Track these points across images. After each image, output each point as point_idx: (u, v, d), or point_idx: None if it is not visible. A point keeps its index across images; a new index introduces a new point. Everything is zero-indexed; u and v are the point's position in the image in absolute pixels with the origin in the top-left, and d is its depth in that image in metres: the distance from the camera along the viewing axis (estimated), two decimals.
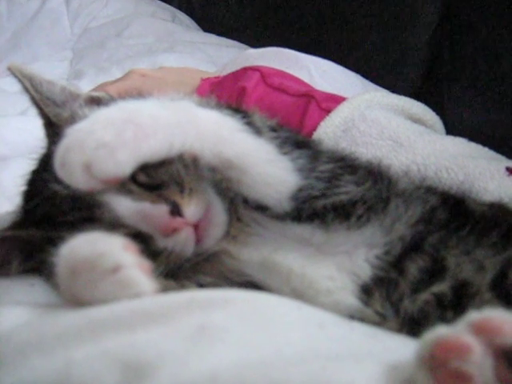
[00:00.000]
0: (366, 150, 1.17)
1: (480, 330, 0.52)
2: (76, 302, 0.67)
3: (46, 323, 0.63)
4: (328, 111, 1.27)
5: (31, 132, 0.98)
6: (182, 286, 0.81)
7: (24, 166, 0.93)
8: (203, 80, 1.46)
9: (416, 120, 1.31)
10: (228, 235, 0.84)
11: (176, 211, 0.80)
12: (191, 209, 0.81)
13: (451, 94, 1.69)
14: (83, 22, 2.78)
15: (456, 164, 1.12)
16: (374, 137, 1.20)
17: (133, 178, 0.81)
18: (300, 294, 0.80)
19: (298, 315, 0.65)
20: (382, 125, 1.21)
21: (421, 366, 0.53)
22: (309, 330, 0.62)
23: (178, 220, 0.80)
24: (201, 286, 0.82)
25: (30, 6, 2.79)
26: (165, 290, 0.74)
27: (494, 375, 0.51)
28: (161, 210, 0.80)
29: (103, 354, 0.56)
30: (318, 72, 1.59)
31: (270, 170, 0.79)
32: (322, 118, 1.26)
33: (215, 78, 1.50)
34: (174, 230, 0.80)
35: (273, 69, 1.45)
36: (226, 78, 1.46)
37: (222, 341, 0.58)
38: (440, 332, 0.53)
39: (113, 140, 0.70)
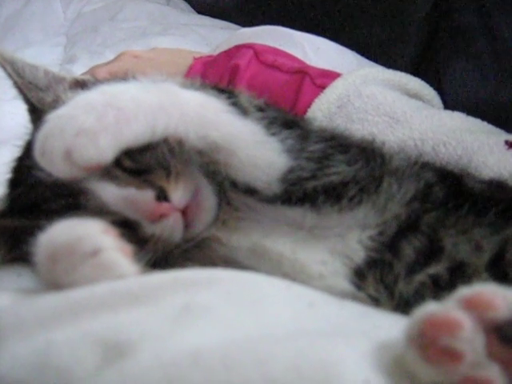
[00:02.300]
0: (362, 126, 1.14)
1: (470, 305, 0.50)
2: (57, 287, 0.65)
3: (26, 306, 0.61)
4: (322, 87, 1.24)
5: (24, 116, 0.95)
6: None
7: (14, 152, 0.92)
8: (196, 59, 1.43)
9: (413, 95, 1.27)
10: (217, 220, 0.82)
11: (162, 196, 0.78)
12: (178, 193, 0.79)
13: (449, 69, 1.66)
14: (76, 7, 2.74)
15: (454, 138, 1.09)
16: (369, 113, 1.17)
17: (117, 163, 0.78)
18: (291, 279, 0.76)
19: (286, 294, 0.62)
20: (378, 100, 1.18)
21: (410, 344, 0.51)
22: (297, 309, 0.60)
23: (164, 205, 0.78)
24: None
25: None
26: None
27: (486, 351, 0.49)
28: (147, 196, 0.78)
29: (84, 335, 0.54)
30: (313, 49, 1.56)
31: (258, 152, 0.76)
32: (316, 95, 1.22)
33: (208, 57, 1.46)
34: (161, 216, 0.78)
35: (266, 46, 1.41)
36: (218, 56, 1.43)
37: (206, 320, 0.56)
38: (429, 308, 0.51)
39: (93, 125, 0.68)
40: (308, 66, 1.34)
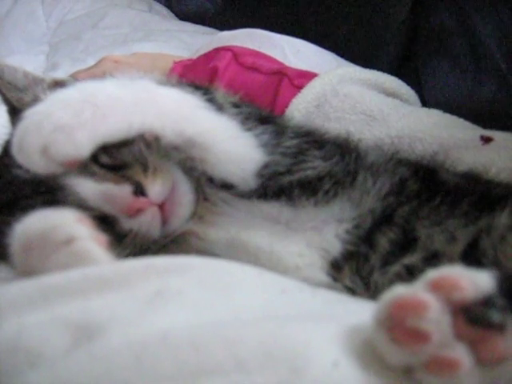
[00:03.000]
0: (340, 125, 1.16)
1: (437, 287, 0.51)
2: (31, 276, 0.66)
3: None
4: (300, 88, 1.25)
5: (3, 116, 0.96)
6: None
7: None
8: (176, 63, 1.44)
9: (390, 94, 1.29)
10: (195, 215, 0.82)
11: (140, 191, 0.79)
12: (156, 188, 0.79)
13: (428, 69, 1.68)
14: (58, 16, 2.73)
15: (430, 135, 1.11)
16: (346, 112, 1.19)
17: (94, 159, 0.79)
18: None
19: (258, 281, 0.63)
20: (355, 99, 1.20)
21: (379, 327, 0.51)
22: (269, 295, 0.60)
23: (141, 200, 0.78)
24: None
25: (4, 0, 2.75)
26: None
27: (453, 331, 0.50)
28: (124, 191, 0.78)
29: (54, 319, 0.55)
30: (292, 51, 1.57)
31: (234, 147, 0.78)
32: (294, 95, 1.24)
33: (188, 60, 1.48)
34: (138, 211, 0.78)
35: (245, 48, 1.43)
36: (198, 59, 1.44)
37: (177, 304, 0.57)
38: (397, 291, 0.52)
39: (70, 121, 0.69)
40: (286, 67, 1.35)
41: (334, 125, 1.15)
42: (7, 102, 0.94)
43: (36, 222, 0.68)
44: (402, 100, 1.30)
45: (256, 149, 0.78)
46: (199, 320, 0.54)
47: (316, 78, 1.27)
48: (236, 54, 1.39)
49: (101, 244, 0.67)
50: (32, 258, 0.66)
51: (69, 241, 0.66)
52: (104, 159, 0.80)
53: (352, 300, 0.69)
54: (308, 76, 1.31)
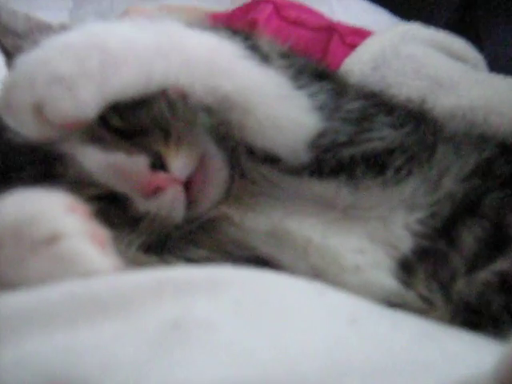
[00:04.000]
0: (400, 91, 0.98)
1: None
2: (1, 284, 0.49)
3: None
4: (353, 46, 1.09)
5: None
6: (164, 263, 0.63)
7: None
8: (209, 16, 1.26)
9: (457, 58, 1.11)
10: (229, 196, 0.68)
11: (159, 164, 0.63)
12: (179, 161, 0.64)
13: (490, 32, 1.51)
14: None
15: (510, 108, 0.93)
16: (409, 76, 1.02)
17: (104, 122, 0.64)
18: (320, 271, 0.64)
19: (318, 305, 0.46)
20: (420, 62, 1.03)
21: None
22: (334, 329, 0.43)
23: (161, 176, 0.63)
24: (191, 262, 0.65)
25: None
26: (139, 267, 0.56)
27: None
28: (139, 163, 0.63)
29: (24, 361, 0.38)
30: (341, 7, 1.40)
31: (282, 110, 0.62)
32: (346, 55, 1.07)
33: (222, 13, 1.30)
34: (157, 189, 0.63)
35: (288, 0, 1.25)
36: (233, 12, 1.27)
37: (204, 343, 0.39)
38: None
39: (72, 71, 0.55)
40: (336, 23, 1.18)
41: (393, 91, 0.96)
42: (2, 48, 0.77)
43: (10, 210, 0.52)
44: (470, 66, 1.11)
45: (310, 112, 0.62)
46: (238, 374, 0.36)
47: (374, 36, 1.10)
48: (278, 7, 1.22)
49: (99, 243, 0.50)
50: (2, 261, 0.49)
51: (53, 238, 0.50)
52: (115, 122, 0.65)
53: (445, 333, 0.50)
54: (362, 34, 1.14)
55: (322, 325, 0.43)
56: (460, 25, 1.68)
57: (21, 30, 0.81)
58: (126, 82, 0.57)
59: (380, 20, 1.41)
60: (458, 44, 1.14)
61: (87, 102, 0.55)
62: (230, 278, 0.46)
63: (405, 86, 1.01)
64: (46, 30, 0.82)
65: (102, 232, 0.52)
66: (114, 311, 0.41)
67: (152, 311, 0.41)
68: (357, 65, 1.04)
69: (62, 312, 0.41)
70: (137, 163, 0.63)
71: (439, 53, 1.09)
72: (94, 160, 0.64)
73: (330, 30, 1.16)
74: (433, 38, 1.11)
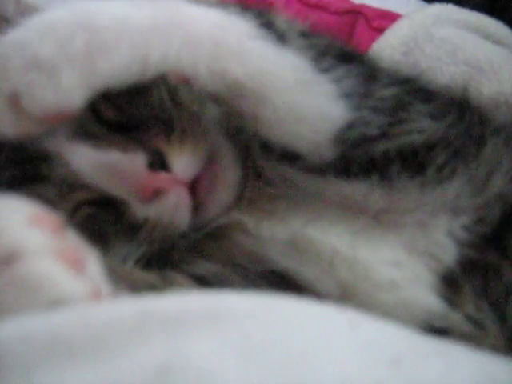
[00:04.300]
0: (434, 77, 0.88)
1: None
2: None
3: None
4: (381, 30, 0.99)
5: None
6: (164, 281, 0.53)
7: None
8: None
9: (494, 41, 1.01)
10: (241, 200, 0.60)
11: (159, 163, 0.55)
12: (183, 159, 0.56)
13: None
14: None
15: None
16: (444, 61, 0.92)
17: (95, 114, 0.57)
18: (349, 289, 0.56)
19: (350, 341, 0.36)
20: (455, 45, 0.93)
21: None
22: (372, 374, 0.33)
23: (161, 176, 0.55)
24: (198, 278, 0.56)
25: None
26: (133, 288, 0.49)
27: None
28: (135, 162, 0.55)
29: None
30: None
31: (302, 97, 0.52)
32: (373, 40, 0.97)
33: None
34: (157, 192, 0.55)
35: None
36: None
37: None
38: None
39: (53, 55, 0.48)
40: (362, 5, 1.08)
41: (425, 77, 0.86)
42: None
43: None
44: (508, 49, 1.01)
45: (336, 100, 0.53)
46: None
47: (403, 18, 0.99)
48: None
49: (72, 263, 0.41)
50: None
51: (10, 258, 0.40)
52: (109, 114, 0.57)
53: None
54: (390, 17, 1.03)
55: (355, 368, 0.34)
56: (492, 7, 1.58)
57: (10, 14, 0.73)
58: (118, 66, 0.49)
59: (408, 3, 1.30)
60: (495, 26, 1.04)
61: (71, 90, 0.47)
62: (235, 309, 0.36)
63: (439, 72, 0.92)
64: (35, 11, 0.74)
65: (78, 249, 0.42)
66: (82, 355, 0.31)
67: (133, 355, 0.32)
68: (386, 50, 0.95)
69: (14, 356, 0.31)
70: (133, 162, 0.55)
71: (475, 35, 0.99)
72: (84, 159, 0.56)
73: (355, 13, 1.06)
74: (467, 19, 1.01)
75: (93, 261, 0.43)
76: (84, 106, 0.49)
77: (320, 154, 0.54)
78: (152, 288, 0.52)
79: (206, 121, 0.58)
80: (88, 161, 0.55)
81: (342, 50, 0.58)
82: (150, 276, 0.54)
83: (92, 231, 0.55)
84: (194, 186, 0.57)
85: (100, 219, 0.56)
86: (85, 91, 0.48)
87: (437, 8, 1.01)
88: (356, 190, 0.56)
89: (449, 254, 0.56)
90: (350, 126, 0.53)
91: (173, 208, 0.55)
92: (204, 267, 0.57)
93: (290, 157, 0.55)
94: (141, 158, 0.54)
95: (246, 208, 0.59)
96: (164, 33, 0.50)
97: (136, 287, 0.51)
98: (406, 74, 0.62)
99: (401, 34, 0.96)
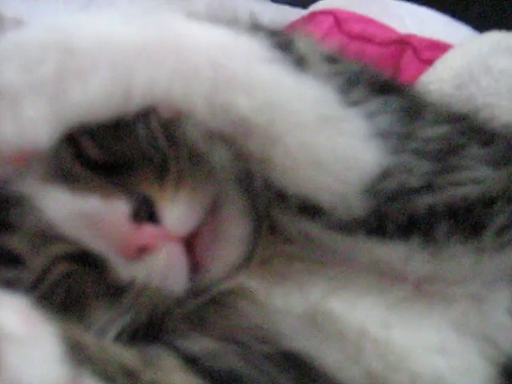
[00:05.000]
0: (492, 115, 0.78)
1: None
2: None
3: None
4: (430, 62, 0.91)
5: None
6: (146, 364, 0.43)
7: None
8: None
9: None
10: (251, 260, 0.49)
11: (145, 213, 0.45)
12: (178, 209, 0.46)
13: None
14: None
15: None
16: (503, 95, 0.82)
17: (77, 151, 0.47)
18: (380, 381, 0.45)
19: None
20: None
21: None
22: None
23: (147, 230, 0.45)
24: (193, 360, 0.45)
25: None
26: (103, 373, 0.40)
27: None
28: (117, 211, 0.45)
29: None
30: (415, 22, 1.19)
31: (325, 137, 0.43)
32: (421, 72, 0.89)
33: None
34: (143, 249, 0.45)
35: (351, 13, 1.10)
36: (288, 26, 1.09)
37: None
38: None
39: (17, 81, 0.42)
40: (410, 35, 1.00)
41: (482, 115, 0.76)
42: None
43: None
44: None
45: (368, 141, 0.43)
46: None
47: (456, 48, 0.92)
48: (339, 20, 1.06)
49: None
50: None
51: None
52: (92, 151, 0.47)
53: None
54: (441, 47, 0.96)
55: None
56: None
57: None
58: (94, 95, 0.41)
59: (459, 35, 1.21)
60: None
61: (35, 124, 0.41)
62: None
63: (498, 109, 0.81)
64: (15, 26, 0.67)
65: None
66: None
67: None
68: (435, 83, 0.85)
69: None
70: (114, 210, 0.45)
71: None
72: (60, 205, 0.46)
73: (402, 43, 0.98)
74: None
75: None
76: (54, 144, 0.42)
77: (348, 208, 0.44)
78: (127, 375, 0.41)
79: (213, 163, 0.48)
80: (64, 207, 0.45)
81: (378, 78, 0.48)
82: (130, 356, 0.43)
83: (70, 292, 0.46)
84: (191, 242, 0.47)
85: (79, 278, 0.46)
86: (54, 125, 0.41)
87: (494, 36, 0.93)
88: (392, 253, 0.45)
89: (510, 337, 0.45)
90: (386, 174, 0.43)
91: (164, 269, 0.45)
92: (199, 344, 0.46)
93: (311, 210, 0.44)
94: (123, 206, 0.44)
95: (255, 271, 0.48)
96: (152, 56, 0.42)
97: (107, 371, 0.40)
98: (458, 110, 0.52)
99: (453, 66, 0.87)
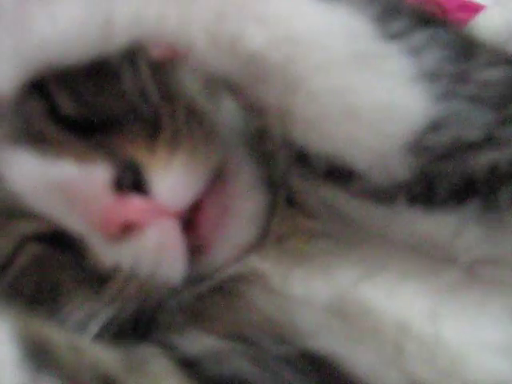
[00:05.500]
0: None
1: None
2: None
3: None
4: (463, 23, 0.83)
5: None
6: (131, 369, 0.36)
7: None
8: None
9: None
10: (265, 240, 0.41)
11: (130, 182, 0.37)
12: (173, 177, 0.39)
13: None
14: None
15: None
16: None
17: (49, 106, 0.40)
18: None
19: None
20: None
21: None
22: None
23: (133, 202, 0.37)
24: (191, 362, 0.38)
25: None
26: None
27: None
28: (95, 178, 0.37)
29: None
30: None
31: (359, 80, 0.35)
32: None
33: None
34: (128, 227, 0.37)
35: None
36: None
37: None
38: None
39: None
40: None
41: None
42: None
43: None
44: None
45: (413, 83, 0.35)
46: None
47: (491, 6, 0.87)
48: None
49: None
50: None
51: None
52: (67, 106, 0.39)
53: None
54: (473, 8, 0.91)
55: None
56: None
57: None
58: (64, 28, 0.35)
59: None
60: None
61: None
62: None
63: None
64: None
65: None
66: None
67: None
68: None
69: None
70: (91, 177, 0.37)
71: None
72: (27, 173, 0.39)
73: (432, 4, 0.91)
74: None
75: None
76: (20, 95, 0.36)
77: (387, 170, 0.36)
78: (103, 383, 0.34)
79: (218, 120, 0.40)
80: (32, 175, 0.38)
81: (422, 8, 0.39)
82: (110, 359, 0.36)
83: (41, 280, 0.39)
84: (191, 220, 0.39)
85: (52, 263, 0.39)
86: (16, 66, 0.35)
87: None
88: (441, 226, 0.38)
89: None
90: (436, 125, 0.35)
91: (155, 252, 0.37)
92: (199, 342, 0.39)
93: (340, 175, 0.37)
94: (104, 173, 0.37)
95: (270, 251, 0.41)
96: None
97: (78, 378, 0.33)
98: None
99: (490, 25, 0.79)
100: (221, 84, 0.37)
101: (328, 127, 0.34)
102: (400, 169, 0.35)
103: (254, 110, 0.37)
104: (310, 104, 0.34)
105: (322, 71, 0.34)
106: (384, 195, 0.36)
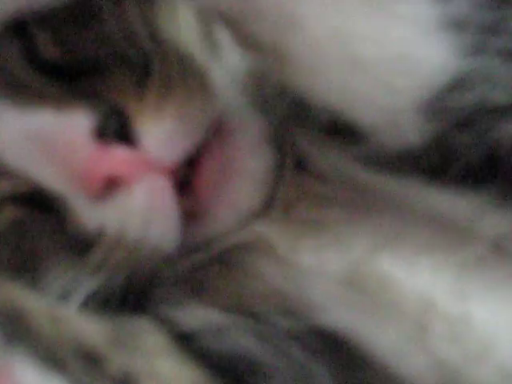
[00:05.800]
0: None
1: None
2: None
3: None
4: None
5: None
6: (120, 341, 0.33)
7: None
8: None
9: None
10: (272, 204, 0.38)
11: (114, 129, 0.34)
12: (162, 128, 0.35)
13: None
14: None
15: None
16: None
17: (30, 51, 0.36)
18: (455, 374, 0.32)
19: None
20: None
21: None
22: None
23: (117, 152, 0.34)
24: (188, 337, 0.35)
25: None
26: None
27: None
28: (76, 127, 0.34)
29: None
30: None
31: (370, 24, 0.30)
32: None
33: None
34: (113, 183, 0.34)
35: None
36: None
37: None
38: None
39: None
40: None
41: None
42: None
43: None
44: None
45: (435, 32, 0.30)
46: None
47: None
48: None
49: None
50: None
51: None
52: (49, 50, 0.36)
53: None
54: None
55: None
56: None
57: None
58: None
59: None
60: None
61: None
62: None
63: None
64: None
65: None
66: None
67: None
68: None
69: None
70: (71, 126, 0.33)
71: None
72: (2, 124, 0.35)
73: None
74: None
75: None
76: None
77: (398, 134, 0.31)
78: (86, 359, 0.30)
79: (216, 68, 0.36)
80: (7, 127, 0.34)
81: None
82: (95, 332, 0.32)
83: (19, 245, 0.36)
84: (188, 180, 0.36)
85: (31, 226, 0.36)
86: None
87: None
88: (463, 199, 0.33)
89: None
90: (459, 83, 0.30)
91: (144, 213, 0.33)
92: (198, 315, 0.36)
93: (349, 137, 0.32)
94: (84, 120, 0.33)
95: (277, 218, 0.37)
96: None
97: (57, 352, 0.29)
98: None
99: None
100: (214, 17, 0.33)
101: (328, 76, 0.29)
102: (411, 132, 0.30)
103: (251, 48, 0.32)
104: (307, 47, 0.29)
105: (321, 9, 0.29)
106: (394, 165, 0.32)
